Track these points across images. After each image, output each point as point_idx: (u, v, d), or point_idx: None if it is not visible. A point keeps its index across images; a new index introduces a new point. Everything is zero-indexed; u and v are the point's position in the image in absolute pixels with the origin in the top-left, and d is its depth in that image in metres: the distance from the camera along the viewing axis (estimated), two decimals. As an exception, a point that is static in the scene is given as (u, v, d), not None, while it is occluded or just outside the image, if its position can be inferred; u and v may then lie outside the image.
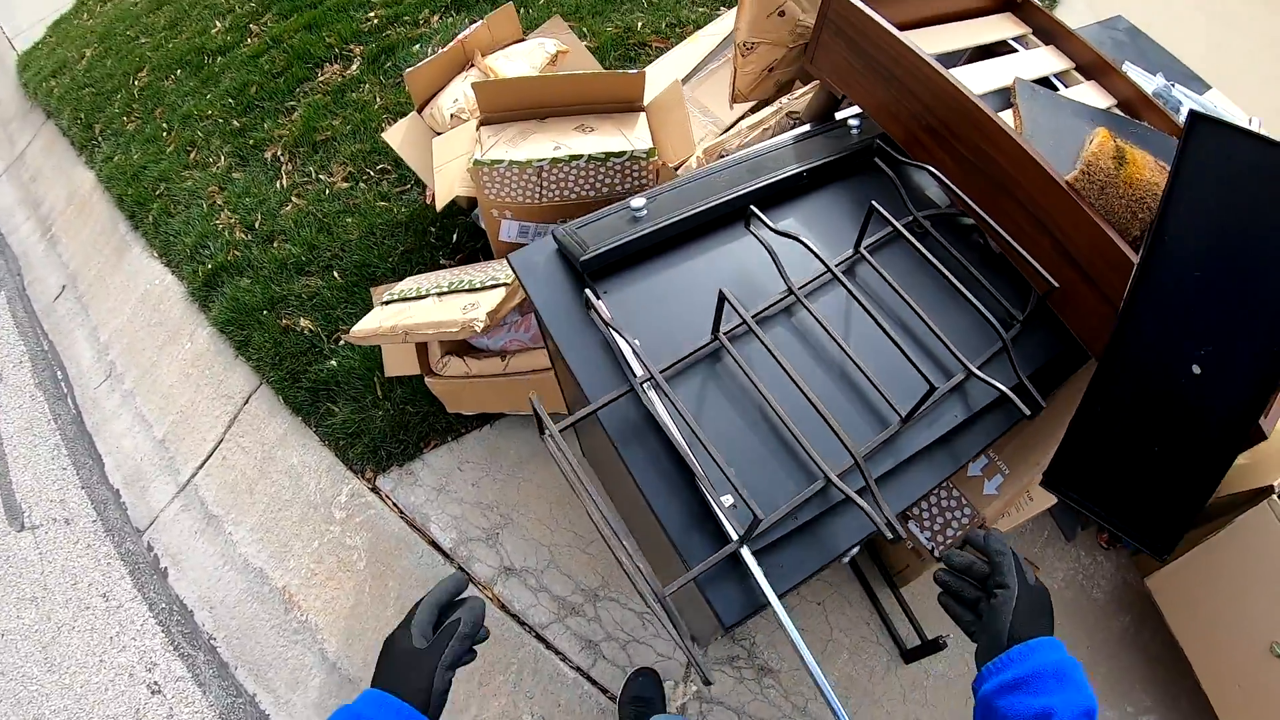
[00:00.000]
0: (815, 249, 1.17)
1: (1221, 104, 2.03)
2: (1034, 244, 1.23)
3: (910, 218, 1.34)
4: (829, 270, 1.16)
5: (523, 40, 2.67)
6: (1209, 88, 2.08)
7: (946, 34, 1.65)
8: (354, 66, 3.58)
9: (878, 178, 1.42)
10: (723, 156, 1.91)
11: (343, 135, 3.30)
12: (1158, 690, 2.09)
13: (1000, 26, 1.75)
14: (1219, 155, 0.94)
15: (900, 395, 1.14)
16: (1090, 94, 1.57)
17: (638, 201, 1.36)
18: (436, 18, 3.71)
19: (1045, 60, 1.65)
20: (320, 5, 3.96)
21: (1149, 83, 1.83)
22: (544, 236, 1.37)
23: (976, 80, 1.43)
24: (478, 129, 2.17)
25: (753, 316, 1.14)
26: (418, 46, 3.56)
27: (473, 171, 2.03)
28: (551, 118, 2.18)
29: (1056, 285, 1.18)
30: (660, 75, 2.48)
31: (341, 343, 2.71)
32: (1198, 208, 0.98)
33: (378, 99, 3.40)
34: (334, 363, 2.68)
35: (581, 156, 2.00)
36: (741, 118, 2.38)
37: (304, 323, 2.79)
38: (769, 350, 1.08)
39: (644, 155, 2.00)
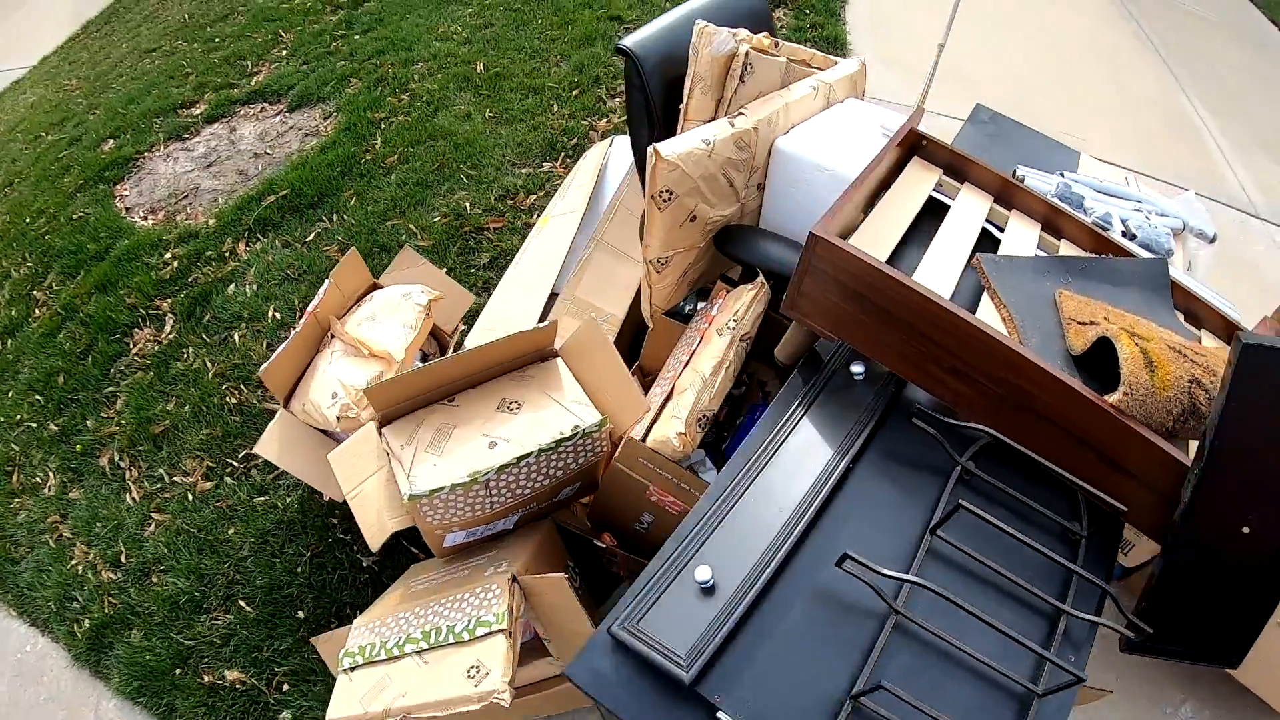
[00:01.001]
0: (922, 580, 1.11)
1: (1091, 169, 2.07)
2: (1081, 462, 1.25)
3: (958, 468, 1.27)
4: (918, 584, 1.11)
5: (378, 287, 2.30)
6: (1077, 154, 2.16)
7: (890, 215, 1.62)
8: (168, 328, 3.13)
9: (901, 422, 1.34)
10: (702, 421, 1.64)
11: (184, 421, 2.86)
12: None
13: (921, 180, 1.73)
14: (1262, 371, 1.12)
15: (1015, 664, 1.11)
16: (1022, 230, 1.64)
17: (703, 573, 1.16)
18: (243, 245, 3.31)
19: (975, 208, 1.66)
20: (107, 256, 3.48)
21: (1048, 184, 1.81)
22: (595, 638, 1.16)
23: (944, 269, 1.45)
24: (380, 431, 1.83)
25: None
26: (233, 287, 3.15)
27: (409, 506, 1.70)
28: (461, 394, 1.86)
29: (1125, 509, 1.21)
30: (532, 282, 2.31)
31: (286, 689, 2.28)
32: (1247, 414, 1.14)
33: (208, 364, 2.97)
34: (288, 715, 2.24)
35: (529, 454, 1.68)
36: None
37: (231, 675, 2.36)
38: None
39: (595, 429, 1.71)
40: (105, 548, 2.69)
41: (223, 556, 2.55)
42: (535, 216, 3.18)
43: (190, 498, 2.70)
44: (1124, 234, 1.70)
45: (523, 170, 3.38)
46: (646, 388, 2.20)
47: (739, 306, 1.79)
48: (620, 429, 1.81)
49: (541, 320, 2.32)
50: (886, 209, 1.61)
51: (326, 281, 2.19)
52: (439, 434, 1.81)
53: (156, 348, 3.08)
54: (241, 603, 2.45)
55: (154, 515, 2.70)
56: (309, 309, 2.17)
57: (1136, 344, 1.19)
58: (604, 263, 2.43)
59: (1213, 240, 1.79)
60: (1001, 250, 1.57)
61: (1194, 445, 1.23)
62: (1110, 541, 1.27)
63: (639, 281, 2.42)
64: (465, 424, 1.81)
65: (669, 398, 1.77)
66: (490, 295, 2.45)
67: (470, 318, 2.56)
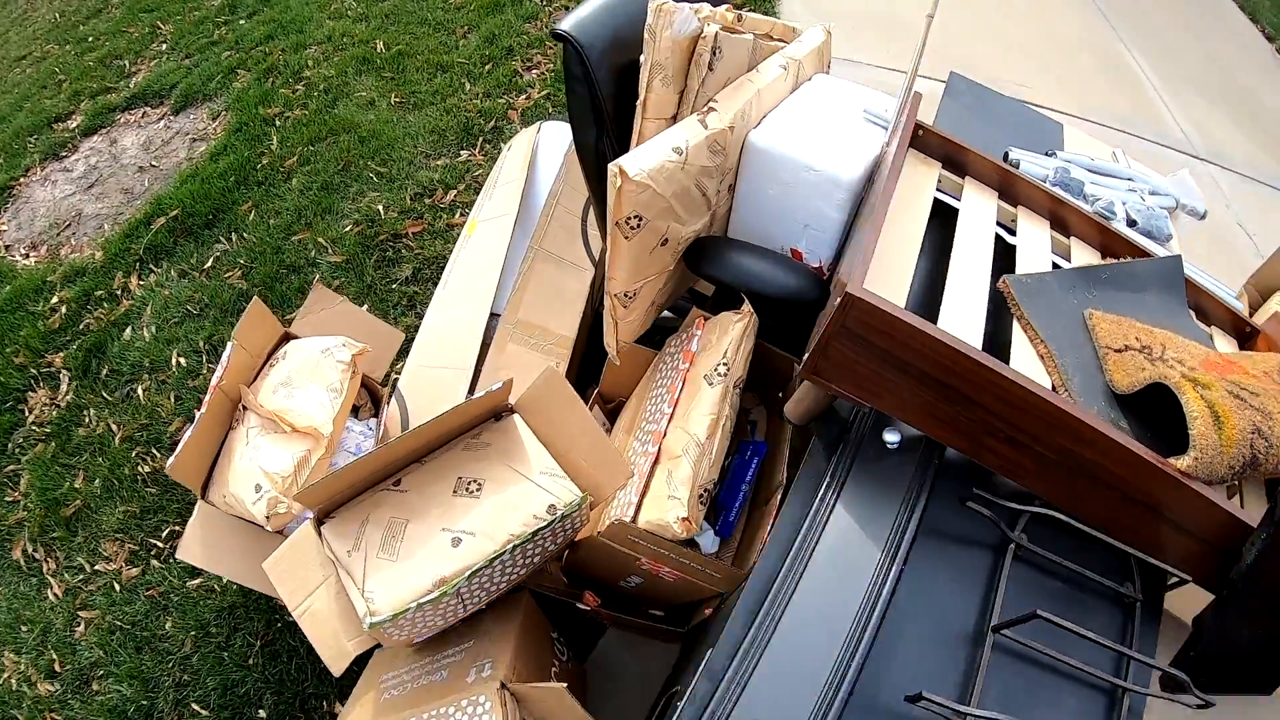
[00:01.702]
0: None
1: (1078, 143, 1.93)
2: (1136, 522, 1.13)
3: (1012, 546, 1.14)
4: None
5: (291, 336, 1.97)
6: (1060, 126, 2.00)
7: (900, 234, 1.41)
8: (64, 388, 2.77)
9: (945, 498, 1.18)
10: (704, 497, 1.39)
11: (96, 499, 2.53)
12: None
13: (923, 180, 1.54)
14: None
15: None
16: (1033, 232, 1.48)
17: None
18: (135, 280, 2.94)
19: (984, 211, 1.49)
20: (-16, 305, 3.06)
21: (1045, 169, 1.63)
22: None
23: (970, 297, 1.27)
24: (318, 531, 1.57)
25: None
26: (130, 331, 2.79)
27: (373, 633, 1.44)
28: (408, 473, 1.60)
29: (1190, 579, 1.13)
30: (466, 306, 2.06)
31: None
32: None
33: (113, 428, 2.63)
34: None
35: (502, 552, 1.46)
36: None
37: (193, 795, 2.07)
38: None
39: (575, 508, 1.47)
40: (36, 655, 2.38)
41: (164, 655, 2.26)
42: (458, 216, 2.85)
43: (117, 588, 2.39)
44: (1127, 222, 1.56)
45: (438, 162, 3.03)
46: (611, 415, 1.93)
47: (726, 345, 1.52)
48: (600, 497, 1.54)
49: (484, 348, 2.02)
50: (895, 226, 1.39)
51: (229, 344, 1.86)
52: (390, 532, 1.53)
53: (55, 412, 2.72)
54: (195, 706, 2.18)
55: (81, 613, 2.39)
56: (213, 381, 1.85)
57: (1201, 395, 1.06)
58: (546, 275, 2.13)
59: (1203, 217, 1.70)
60: (1020, 260, 1.39)
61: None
62: (1159, 598, 1.19)
63: (585, 290, 2.14)
64: (419, 516, 1.53)
65: (656, 461, 1.49)
66: (420, 323, 2.14)
67: (404, 352, 2.25)
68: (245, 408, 1.86)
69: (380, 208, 2.88)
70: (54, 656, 2.35)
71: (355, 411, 2.01)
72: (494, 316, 2.09)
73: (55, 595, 2.43)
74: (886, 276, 1.23)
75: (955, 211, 1.47)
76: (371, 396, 2.01)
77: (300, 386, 1.81)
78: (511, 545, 1.44)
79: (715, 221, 1.69)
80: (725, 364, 1.51)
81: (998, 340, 1.20)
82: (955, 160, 1.56)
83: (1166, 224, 1.58)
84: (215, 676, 2.18)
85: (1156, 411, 1.12)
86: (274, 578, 1.60)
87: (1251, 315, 1.54)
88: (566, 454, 1.56)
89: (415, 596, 1.41)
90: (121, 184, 3.39)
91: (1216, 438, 1.03)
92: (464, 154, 3.10)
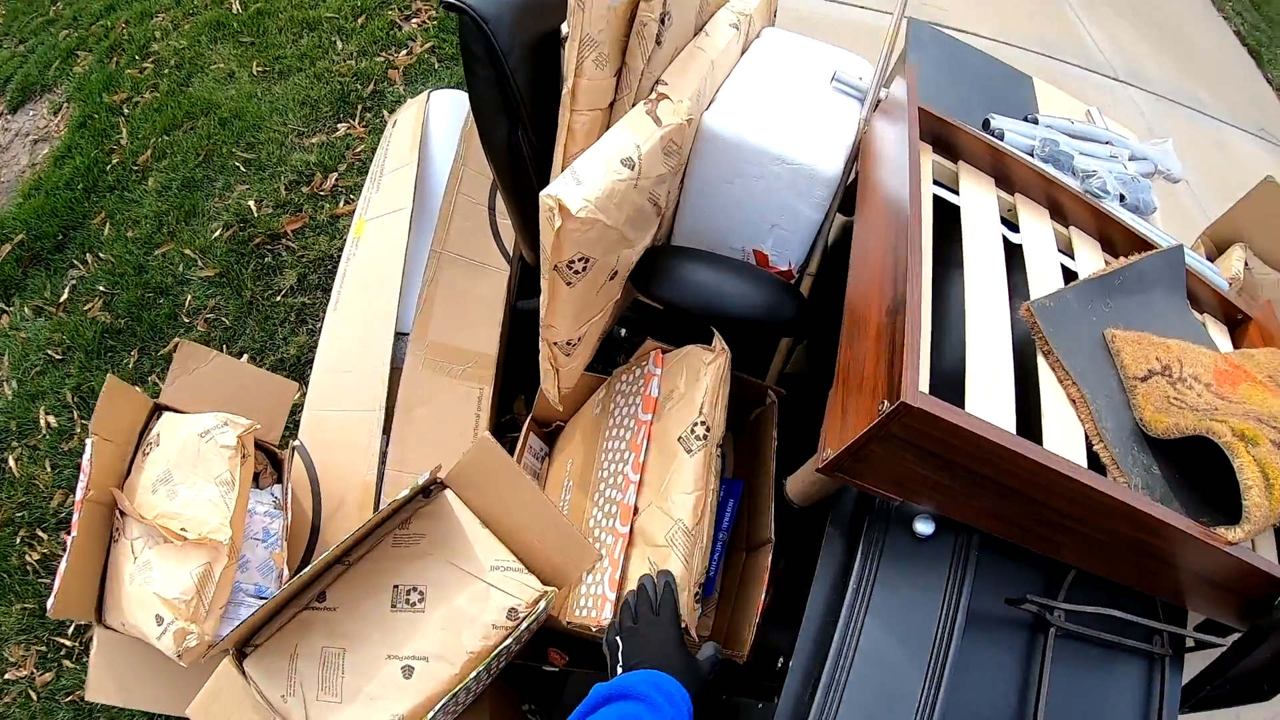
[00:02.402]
0: None
1: (1049, 100, 1.76)
2: (1173, 584, 1.03)
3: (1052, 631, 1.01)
4: None
5: (163, 409, 1.64)
6: (1030, 80, 1.80)
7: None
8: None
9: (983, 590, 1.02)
10: (699, 594, 1.16)
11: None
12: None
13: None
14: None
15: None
16: (1037, 229, 1.27)
17: None
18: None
19: (987, 210, 1.24)
20: None
21: (1029, 139, 1.42)
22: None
23: (992, 325, 1.07)
24: (240, 670, 1.30)
25: None
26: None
27: None
28: (334, 586, 1.33)
29: (1220, 643, 1.04)
30: (363, 330, 1.79)
31: None
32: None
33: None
34: None
35: (465, 680, 1.23)
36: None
37: None
38: None
39: (543, 609, 1.26)
40: (-31, 788, 2.10)
41: None
42: (342, 204, 2.47)
43: (34, 697, 2.10)
44: (1118, 199, 1.41)
45: (313, 140, 2.63)
46: (548, 438, 1.67)
47: (700, 398, 1.25)
48: (564, 583, 1.29)
49: (393, 382, 1.72)
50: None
51: (87, 442, 1.52)
52: (326, 666, 1.27)
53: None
54: None
55: (4, 724, 2.09)
56: (79, 493, 1.52)
57: (1252, 457, 0.93)
58: (455, 283, 1.82)
59: (1178, 181, 1.62)
60: (1029, 265, 1.19)
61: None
62: (1183, 652, 1.09)
63: (503, 294, 1.84)
64: (356, 643, 1.27)
65: (630, 543, 1.23)
66: (313, 340, 1.81)
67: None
68: (123, 513, 1.55)
69: (252, 203, 2.49)
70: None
71: (256, 479, 1.70)
72: (400, 336, 1.77)
73: (-31, 713, 2.13)
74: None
75: (949, 205, 1.25)
76: (271, 460, 1.69)
77: (183, 482, 1.50)
78: (474, 670, 1.20)
79: (663, 226, 1.40)
80: (704, 423, 1.24)
81: (1027, 383, 1.03)
82: (945, 141, 1.31)
83: (1151, 195, 1.44)
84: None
85: (1191, 452, 0.98)
86: (200, 726, 1.33)
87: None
88: (515, 534, 1.31)
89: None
90: (-42, 206, 2.92)
91: (1266, 502, 0.92)
92: (341, 127, 2.69)
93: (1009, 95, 1.71)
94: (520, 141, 1.34)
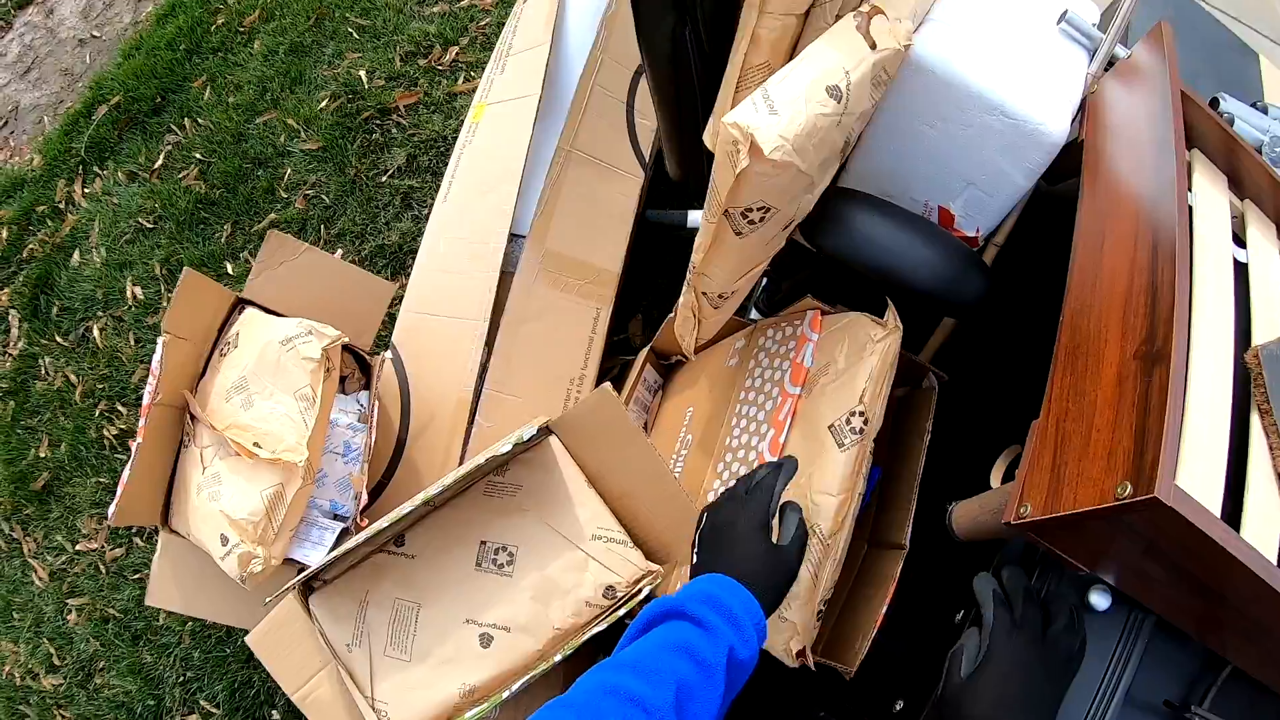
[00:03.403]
0: None
1: (1275, 79, 1.42)
2: None
3: None
4: None
5: (245, 304, 1.47)
6: (1256, 55, 1.45)
7: None
8: (14, 332, 2.32)
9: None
10: (823, 610, 0.96)
11: (65, 468, 2.15)
12: None
13: None
14: None
15: None
16: (1267, 249, 0.98)
17: None
18: (79, 187, 2.44)
19: (1218, 207, 0.95)
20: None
21: (1258, 132, 1.12)
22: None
23: (1208, 348, 0.81)
24: (306, 608, 1.19)
25: None
26: (78, 256, 2.32)
27: None
28: (415, 530, 1.19)
29: None
30: (474, 226, 1.60)
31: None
32: None
33: (73, 380, 2.20)
34: None
35: (551, 660, 1.08)
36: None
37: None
38: None
39: (645, 591, 1.11)
40: (33, 647, 2.08)
41: (162, 650, 1.96)
42: (462, 81, 2.23)
43: (103, 571, 2.05)
44: None
45: (434, 9, 2.37)
46: (664, 371, 1.45)
47: (863, 382, 1.01)
48: (672, 561, 1.10)
49: (503, 286, 1.52)
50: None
51: (159, 341, 1.36)
52: (398, 621, 1.13)
53: (9, 363, 2.27)
54: (205, 704, 1.91)
55: (70, 600, 2.07)
56: (146, 396, 1.37)
57: None
58: (581, 186, 1.59)
59: None
60: (1256, 293, 0.93)
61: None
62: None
63: (633, 204, 1.60)
64: (433, 599, 1.12)
65: None
66: (420, 228, 1.62)
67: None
68: (195, 417, 1.40)
69: (363, 74, 2.27)
70: (50, 649, 2.05)
71: (342, 383, 1.53)
72: (514, 239, 1.57)
73: (41, 579, 2.10)
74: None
75: None
76: (360, 364, 1.52)
77: (260, 392, 1.33)
78: (560, 650, 1.03)
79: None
80: (862, 414, 1.01)
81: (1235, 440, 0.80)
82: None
83: None
84: (220, 680, 1.88)
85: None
86: (262, 655, 1.23)
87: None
88: (624, 500, 1.11)
89: (441, 713, 1.05)
90: (61, 64, 2.77)
91: None
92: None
93: (1234, 72, 1.41)
94: (687, 40, 1.10)
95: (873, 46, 0.91)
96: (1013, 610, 0.78)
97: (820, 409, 1.05)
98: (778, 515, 0.86)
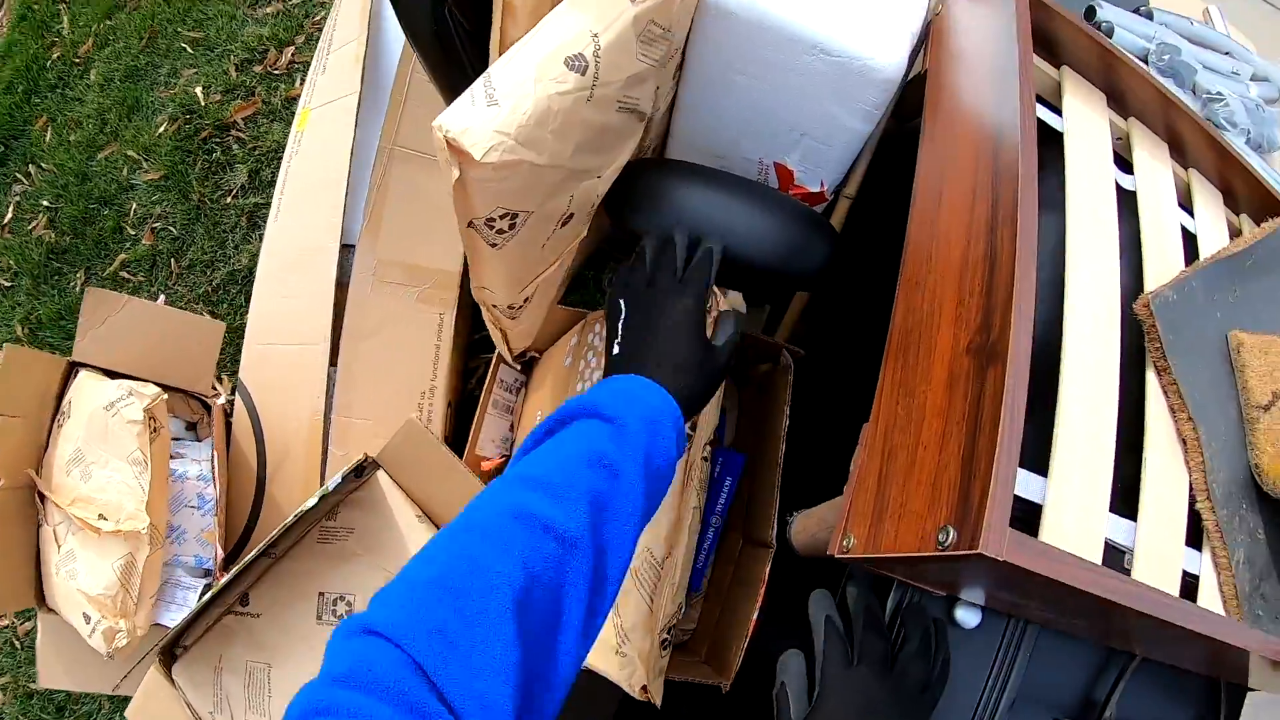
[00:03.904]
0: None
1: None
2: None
3: None
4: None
5: (77, 367, 1.41)
6: None
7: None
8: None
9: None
10: (668, 640, 0.91)
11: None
12: None
13: None
14: None
15: None
16: (1155, 171, 0.88)
17: None
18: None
19: (1095, 130, 0.85)
20: None
21: (1142, 40, 1.05)
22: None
23: (1099, 316, 0.72)
24: (169, 677, 1.14)
25: None
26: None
27: None
28: (257, 587, 1.14)
29: None
30: (306, 244, 1.51)
31: None
32: None
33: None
34: None
35: None
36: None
37: None
38: None
39: None
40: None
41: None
42: (299, 83, 2.13)
43: (18, 646, 2.02)
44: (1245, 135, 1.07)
45: (267, 10, 2.25)
46: (525, 367, 1.39)
47: None
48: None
49: (339, 304, 1.45)
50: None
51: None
52: (253, 685, 1.10)
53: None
54: None
55: (-8, 681, 2.00)
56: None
57: None
58: (407, 182, 1.51)
59: None
60: (1146, 227, 0.83)
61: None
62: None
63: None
64: (283, 658, 1.09)
65: None
66: (255, 274, 1.55)
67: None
68: (44, 496, 1.35)
69: (199, 90, 2.16)
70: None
71: (193, 428, 1.48)
72: (347, 250, 1.49)
73: (-39, 661, 2.04)
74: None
75: (1043, 128, 0.85)
76: (204, 406, 1.46)
77: (96, 462, 1.28)
78: None
79: (652, 130, 1.05)
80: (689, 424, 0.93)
81: (1127, 402, 0.71)
82: (1045, 35, 0.89)
83: (1276, 131, 1.08)
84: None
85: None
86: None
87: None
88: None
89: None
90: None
91: None
92: None
93: None
94: (448, 17, 1.01)
95: None
96: (852, 637, 0.71)
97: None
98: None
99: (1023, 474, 0.61)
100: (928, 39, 0.95)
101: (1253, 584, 0.67)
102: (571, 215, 0.90)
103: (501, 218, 0.78)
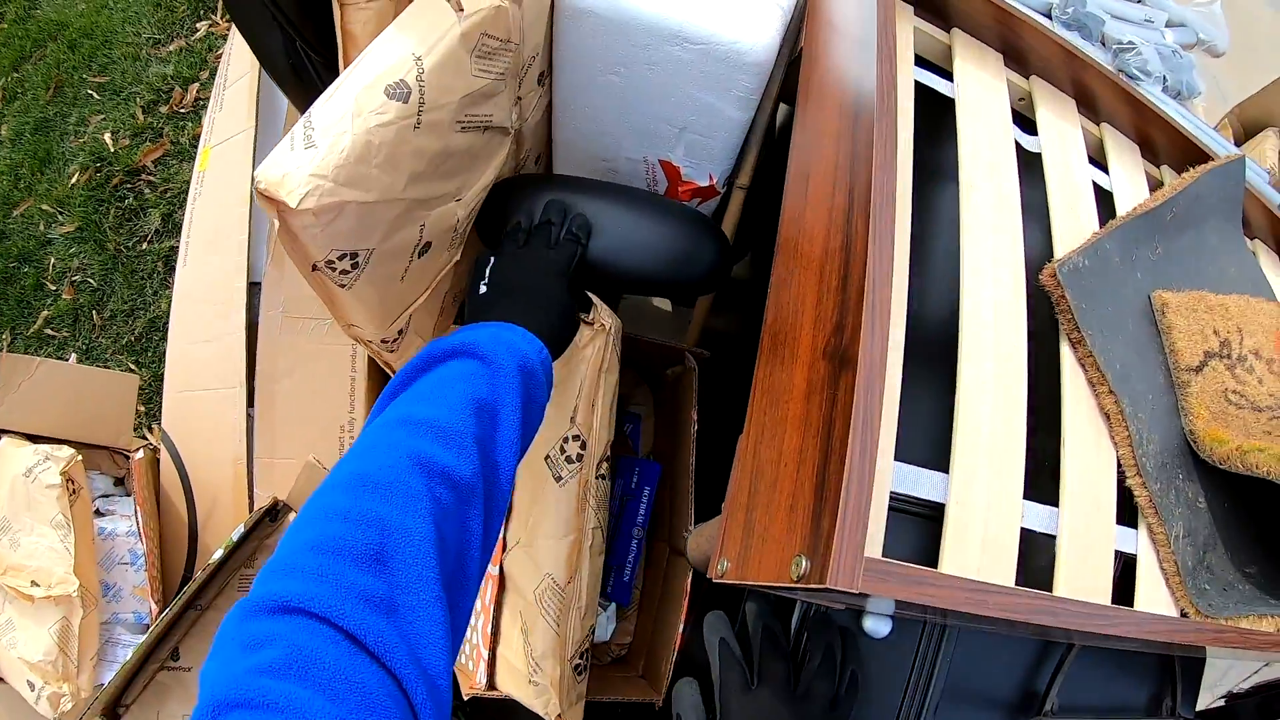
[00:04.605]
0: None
1: None
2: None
3: None
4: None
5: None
6: None
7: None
8: None
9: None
10: (580, 666, 0.92)
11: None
12: None
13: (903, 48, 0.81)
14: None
15: None
16: (1062, 130, 0.85)
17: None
18: None
19: (990, 93, 0.82)
20: None
21: None
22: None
23: (995, 293, 0.69)
24: None
25: None
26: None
27: None
28: (187, 640, 1.14)
29: None
30: (216, 290, 1.51)
31: None
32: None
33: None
34: None
35: None
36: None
37: None
38: None
39: None
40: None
41: None
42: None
43: None
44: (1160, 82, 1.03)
45: (170, 48, 2.23)
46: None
47: (574, 398, 0.91)
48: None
49: (250, 350, 1.45)
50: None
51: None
52: None
53: None
54: None
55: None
56: None
57: None
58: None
59: (1221, 54, 1.21)
60: (1052, 188, 0.79)
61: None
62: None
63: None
64: None
65: (501, 587, 0.95)
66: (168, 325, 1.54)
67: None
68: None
69: (107, 137, 2.14)
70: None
71: (121, 482, 1.48)
72: (256, 287, 1.49)
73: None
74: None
75: (935, 97, 0.84)
76: (124, 462, 1.47)
77: (23, 529, 1.29)
78: None
79: (527, 141, 1.04)
80: (577, 438, 0.91)
81: (1041, 376, 0.68)
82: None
83: (1195, 75, 1.05)
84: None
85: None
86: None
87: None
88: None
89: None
90: None
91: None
92: (201, 26, 2.26)
93: None
94: (301, 53, 1.01)
95: (458, 9, 0.77)
96: (751, 660, 0.68)
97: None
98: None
99: (923, 473, 0.60)
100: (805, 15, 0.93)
101: (1196, 557, 0.65)
102: (429, 244, 0.88)
103: (340, 259, 0.75)
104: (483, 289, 0.78)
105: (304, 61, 1.01)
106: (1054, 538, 0.62)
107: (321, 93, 0.99)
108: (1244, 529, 0.69)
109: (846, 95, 0.71)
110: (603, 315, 0.93)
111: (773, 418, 0.63)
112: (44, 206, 2.13)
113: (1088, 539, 0.62)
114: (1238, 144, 1.22)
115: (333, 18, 0.89)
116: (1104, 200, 0.82)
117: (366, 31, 0.88)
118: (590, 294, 0.93)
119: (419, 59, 0.73)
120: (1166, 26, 1.11)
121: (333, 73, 0.97)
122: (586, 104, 1.03)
